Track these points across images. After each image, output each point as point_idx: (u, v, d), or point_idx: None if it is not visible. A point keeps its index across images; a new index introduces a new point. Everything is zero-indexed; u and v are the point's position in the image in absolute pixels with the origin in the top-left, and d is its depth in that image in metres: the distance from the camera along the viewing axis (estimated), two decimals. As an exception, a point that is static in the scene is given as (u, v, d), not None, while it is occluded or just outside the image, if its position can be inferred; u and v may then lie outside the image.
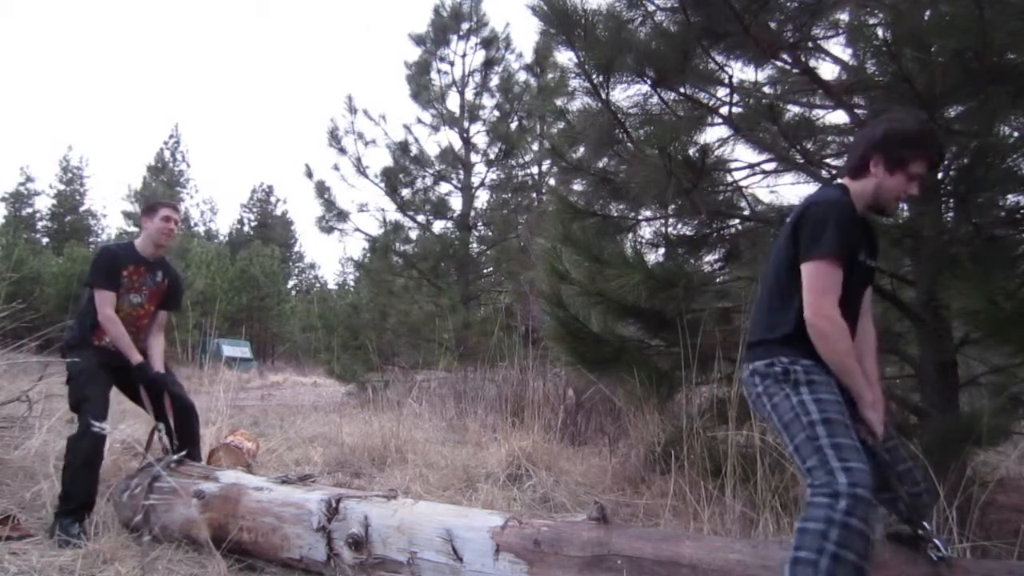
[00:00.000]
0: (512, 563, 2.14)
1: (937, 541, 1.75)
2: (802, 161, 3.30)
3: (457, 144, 11.69)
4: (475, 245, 12.05)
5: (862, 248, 1.93)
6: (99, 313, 3.20)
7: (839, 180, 2.05)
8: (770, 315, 1.96)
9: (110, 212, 37.58)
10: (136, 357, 3.23)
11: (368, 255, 12.11)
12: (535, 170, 12.23)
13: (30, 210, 35.49)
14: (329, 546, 2.47)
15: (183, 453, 3.22)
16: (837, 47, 3.41)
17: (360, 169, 11.17)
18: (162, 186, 27.76)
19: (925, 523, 1.79)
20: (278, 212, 45.50)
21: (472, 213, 11.89)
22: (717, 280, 3.85)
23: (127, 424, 3.95)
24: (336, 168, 11.17)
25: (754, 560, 1.87)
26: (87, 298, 3.28)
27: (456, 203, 11.83)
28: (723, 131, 3.58)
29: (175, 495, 2.88)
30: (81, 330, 3.26)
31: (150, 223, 3.37)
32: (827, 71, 3.42)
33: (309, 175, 11.16)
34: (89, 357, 3.20)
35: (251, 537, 2.64)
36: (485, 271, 12.26)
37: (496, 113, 11.68)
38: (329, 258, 75.16)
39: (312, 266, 45.88)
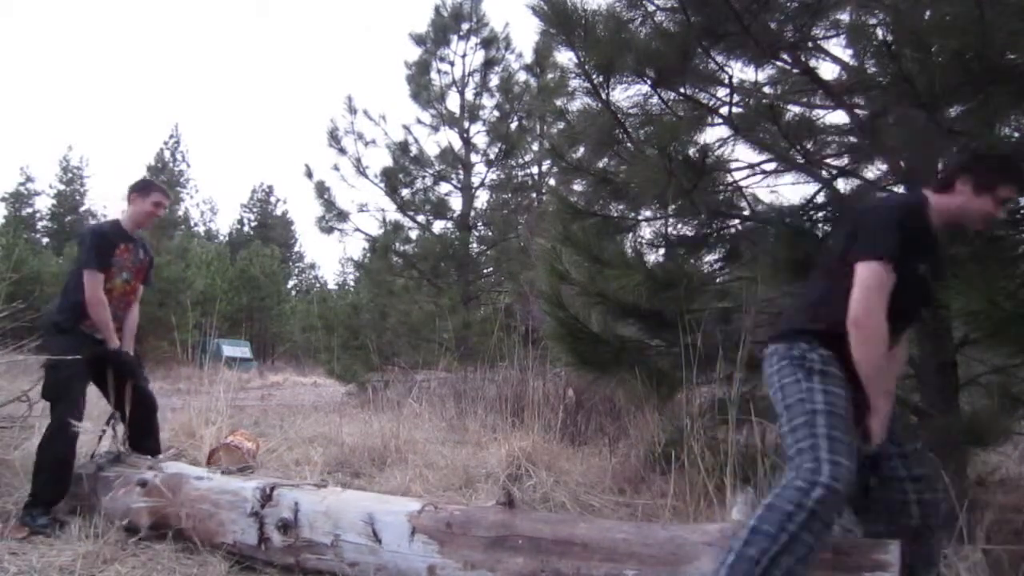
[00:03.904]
0: (425, 543, 2.35)
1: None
2: (802, 161, 3.30)
3: (457, 144, 11.69)
4: (475, 245, 12.04)
5: (924, 259, 1.91)
6: (90, 295, 3.17)
7: (924, 190, 2.05)
8: (808, 307, 2.01)
9: (110, 212, 37.31)
10: (115, 342, 3.26)
11: (368, 255, 12.12)
12: (535, 170, 12.23)
13: (30, 210, 35.43)
14: (261, 530, 2.61)
15: (123, 447, 3.31)
16: (837, 47, 3.41)
17: (360, 169, 11.18)
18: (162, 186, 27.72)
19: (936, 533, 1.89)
20: (278, 212, 45.49)
21: (472, 213, 11.88)
22: (717, 280, 3.85)
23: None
24: (336, 168, 11.19)
25: (637, 538, 2.10)
26: (76, 280, 3.23)
27: (456, 203, 11.84)
28: (723, 131, 3.57)
29: (119, 484, 3.02)
30: (72, 313, 3.22)
31: (140, 203, 3.40)
32: (827, 71, 3.42)
33: (309, 175, 11.17)
34: (77, 346, 3.15)
35: (189, 524, 2.76)
36: (485, 271, 12.25)
37: (496, 113, 11.67)
38: (329, 258, 75.33)
39: (312, 266, 45.91)
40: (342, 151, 11.12)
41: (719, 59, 3.40)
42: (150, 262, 3.57)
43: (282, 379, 17.74)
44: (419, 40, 11.61)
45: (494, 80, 11.65)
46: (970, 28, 2.30)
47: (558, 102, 4.44)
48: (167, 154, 37.93)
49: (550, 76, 10.55)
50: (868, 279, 1.82)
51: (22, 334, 4.55)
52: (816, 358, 1.88)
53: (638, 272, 3.21)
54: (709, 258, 3.88)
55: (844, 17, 3.29)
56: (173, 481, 2.93)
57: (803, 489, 1.67)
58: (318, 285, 41.59)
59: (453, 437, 5.35)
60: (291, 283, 41.02)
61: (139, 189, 3.45)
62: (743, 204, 3.57)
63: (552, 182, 9.38)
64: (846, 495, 1.67)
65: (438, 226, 11.96)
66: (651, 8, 3.37)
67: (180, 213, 32.92)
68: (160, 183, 3.54)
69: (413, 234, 11.75)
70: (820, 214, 3.36)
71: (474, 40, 11.53)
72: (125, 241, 3.37)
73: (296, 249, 44.95)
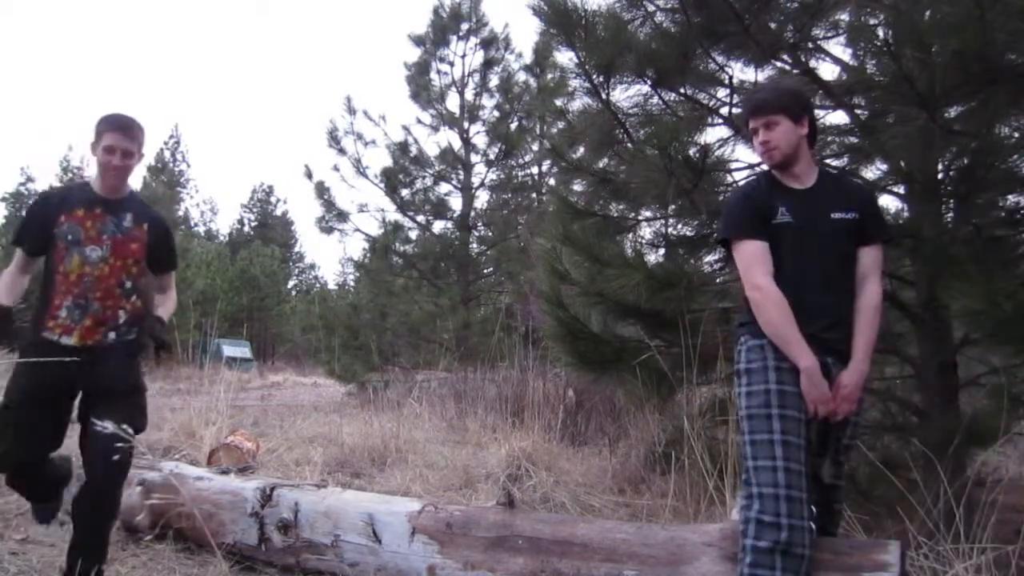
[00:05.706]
0: (425, 544, 2.36)
1: None
2: (802, 161, 3.29)
3: (457, 144, 11.70)
4: (475, 245, 12.05)
5: (776, 211, 1.95)
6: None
7: None
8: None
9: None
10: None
11: (368, 255, 12.12)
12: (535, 170, 12.25)
13: (30, 210, 35.47)
14: (261, 530, 2.63)
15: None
16: (837, 47, 3.41)
17: (360, 169, 11.18)
18: (162, 186, 27.71)
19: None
20: (278, 212, 45.43)
21: (472, 213, 11.88)
22: (717, 280, 3.85)
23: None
24: (336, 168, 11.19)
25: (637, 538, 2.11)
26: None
27: (456, 203, 11.85)
28: (723, 131, 3.58)
29: None
30: (34, 315, 2.39)
31: (94, 153, 2.38)
32: (827, 71, 3.42)
33: (309, 176, 11.17)
34: (25, 368, 2.29)
35: (189, 523, 2.77)
36: (485, 271, 12.26)
37: (496, 113, 11.68)
38: (329, 258, 75.36)
39: (312, 266, 45.84)
40: (342, 151, 11.13)
41: (719, 59, 3.40)
42: (151, 233, 2.46)
43: (282, 379, 17.74)
44: (418, 41, 11.61)
45: (494, 80, 11.67)
46: (970, 28, 2.30)
47: (558, 102, 4.45)
48: (167, 154, 37.94)
49: (550, 76, 10.54)
50: (737, 259, 2.01)
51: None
52: (742, 354, 1.95)
53: (638, 272, 3.21)
54: (709, 258, 3.88)
55: (844, 17, 3.29)
56: (173, 481, 2.92)
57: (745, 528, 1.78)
58: (318, 285, 41.55)
59: (453, 437, 5.35)
60: (291, 283, 41.00)
61: (94, 130, 2.38)
62: (743, 204, 3.56)
63: (552, 182, 9.39)
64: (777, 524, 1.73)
65: (438, 226, 11.99)
66: (651, 8, 3.38)
67: (180, 213, 32.93)
68: (121, 116, 2.38)
69: (413, 234, 11.78)
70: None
71: (474, 40, 11.54)
72: (87, 206, 2.35)
73: (296, 249, 44.91)
